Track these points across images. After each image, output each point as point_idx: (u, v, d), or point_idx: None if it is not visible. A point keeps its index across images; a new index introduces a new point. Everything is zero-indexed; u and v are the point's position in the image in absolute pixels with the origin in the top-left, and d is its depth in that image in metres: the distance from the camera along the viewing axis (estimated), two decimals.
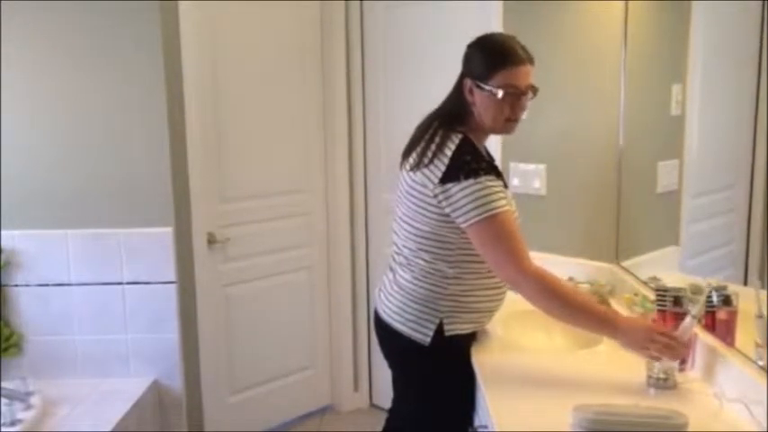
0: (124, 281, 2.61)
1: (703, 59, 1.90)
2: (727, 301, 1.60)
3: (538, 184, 2.56)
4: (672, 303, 1.70)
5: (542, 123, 2.54)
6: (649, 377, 1.60)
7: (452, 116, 1.79)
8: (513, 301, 2.28)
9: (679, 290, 1.72)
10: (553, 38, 2.46)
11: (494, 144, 2.67)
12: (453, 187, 1.65)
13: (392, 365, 1.97)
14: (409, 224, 1.79)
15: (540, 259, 2.53)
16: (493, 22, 2.62)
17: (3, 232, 2.56)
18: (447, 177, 1.66)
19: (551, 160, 2.53)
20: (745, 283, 1.63)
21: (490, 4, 2.62)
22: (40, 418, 2.28)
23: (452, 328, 1.77)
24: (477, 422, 1.80)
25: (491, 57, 1.72)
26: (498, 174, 1.71)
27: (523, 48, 1.73)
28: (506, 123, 1.76)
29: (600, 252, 2.40)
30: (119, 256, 2.59)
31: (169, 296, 2.63)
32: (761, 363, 1.42)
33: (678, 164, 1.99)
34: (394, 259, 1.89)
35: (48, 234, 2.57)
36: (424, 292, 1.78)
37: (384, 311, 1.87)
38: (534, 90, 1.75)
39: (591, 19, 2.36)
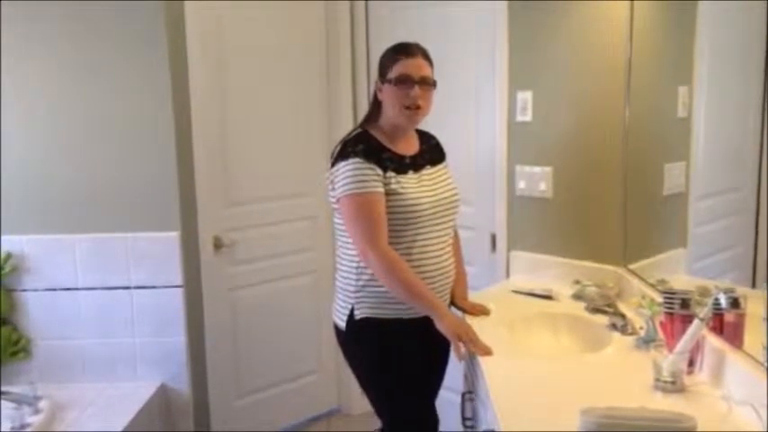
0: (131, 285, 2.62)
1: (710, 61, 1.89)
2: (734, 303, 1.59)
3: (544, 187, 2.56)
4: (679, 306, 1.70)
5: (548, 126, 2.54)
6: (657, 380, 1.59)
7: (367, 118, 2.05)
8: (518, 305, 2.29)
9: (686, 292, 1.71)
10: (559, 39, 2.46)
11: (499, 147, 2.68)
12: (333, 169, 1.91)
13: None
14: (334, 220, 2.02)
15: (547, 262, 2.55)
16: (498, 22, 2.62)
17: (11, 237, 2.57)
18: (332, 164, 1.93)
19: (557, 163, 2.53)
20: (753, 286, 1.62)
21: (495, 4, 2.62)
22: (48, 423, 2.29)
23: (361, 312, 1.96)
24: (485, 426, 1.80)
25: (388, 54, 1.97)
26: (379, 159, 1.88)
27: (420, 47, 1.96)
28: (403, 110, 1.92)
29: (607, 255, 2.39)
30: (126, 261, 2.61)
31: (176, 300, 2.64)
32: None
33: (685, 166, 1.99)
34: None
35: (55, 239, 2.59)
36: (342, 279, 2.02)
37: None
38: (432, 82, 1.94)
39: (597, 20, 2.35)
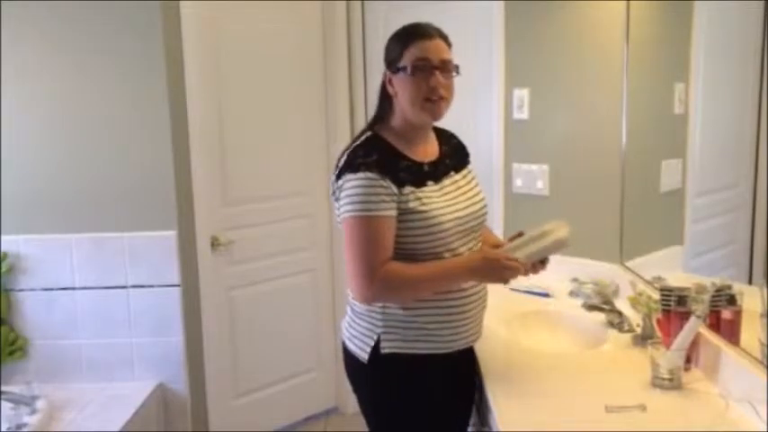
0: (128, 284, 2.62)
1: (706, 58, 1.89)
2: (731, 300, 1.59)
3: (541, 185, 2.56)
4: (676, 303, 1.70)
5: (545, 124, 2.54)
6: (654, 377, 1.60)
7: (376, 118, 1.72)
8: (515, 303, 2.29)
9: (683, 289, 1.71)
10: (555, 38, 2.46)
11: (496, 145, 2.67)
12: (340, 183, 1.60)
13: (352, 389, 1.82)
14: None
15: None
16: (495, 22, 2.62)
17: (8, 237, 2.57)
18: (338, 175, 1.61)
19: (554, 160, 2.53)
20: (750, 282, 1.62)
21: (492, 4, 2.62)
22: (45, 423, 2.28)
23: (389, 346, 1.63)
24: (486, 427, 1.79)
25: (400, 38, 1.66)
26: (395, 172, 1.57)
27: (435, 27, 1.67)
28: (425, 104, 1.60)
29: (604, 252, 2.39)
30: (123, 260, 2.60)
31: (173, 299, 2.64)
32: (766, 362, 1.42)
33: (681, 163, 1.99)
34: None
35: (52, 238, 2.58)
36: (363, 306, 1.67)
37: (342, 330, 1.79)
38: (455, 67, 1.63)
39: (593, 18, 2.35)
